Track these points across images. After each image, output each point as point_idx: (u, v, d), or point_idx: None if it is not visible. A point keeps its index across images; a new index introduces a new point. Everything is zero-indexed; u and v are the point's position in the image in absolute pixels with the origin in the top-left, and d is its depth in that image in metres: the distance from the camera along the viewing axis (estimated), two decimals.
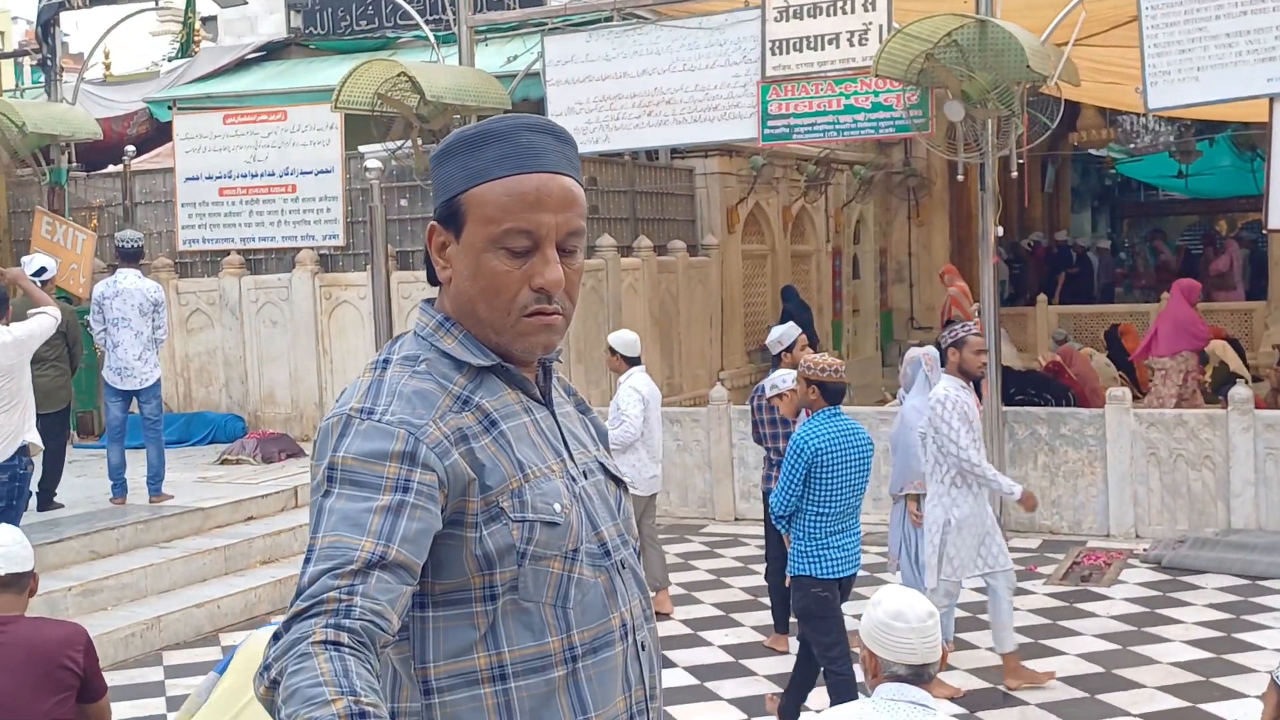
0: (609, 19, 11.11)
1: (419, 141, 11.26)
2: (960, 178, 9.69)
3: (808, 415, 5.64)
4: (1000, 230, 9.35)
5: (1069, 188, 25.21)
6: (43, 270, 9.14)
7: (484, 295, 1.76)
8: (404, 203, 12.14)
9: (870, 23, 9.43)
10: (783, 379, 6.68)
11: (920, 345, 7.72)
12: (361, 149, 11.95)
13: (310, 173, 12.27)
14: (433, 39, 12.78)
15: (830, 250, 17.19)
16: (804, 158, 15.48)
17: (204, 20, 20.49)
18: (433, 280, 1.86)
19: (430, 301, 1.86)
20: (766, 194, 15.47)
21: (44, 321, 7.47)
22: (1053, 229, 22.77)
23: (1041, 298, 18.48)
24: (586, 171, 13.24)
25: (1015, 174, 8.90)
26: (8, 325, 7.44)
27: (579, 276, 1.81)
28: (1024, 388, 11.72)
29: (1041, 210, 23.28)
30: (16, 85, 19.13)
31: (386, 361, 1.78)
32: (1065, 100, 9.30)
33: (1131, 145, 18.21)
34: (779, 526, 5.57)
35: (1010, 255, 19.50)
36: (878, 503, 9.05)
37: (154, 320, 9.29)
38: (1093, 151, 20.82)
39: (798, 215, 16.33)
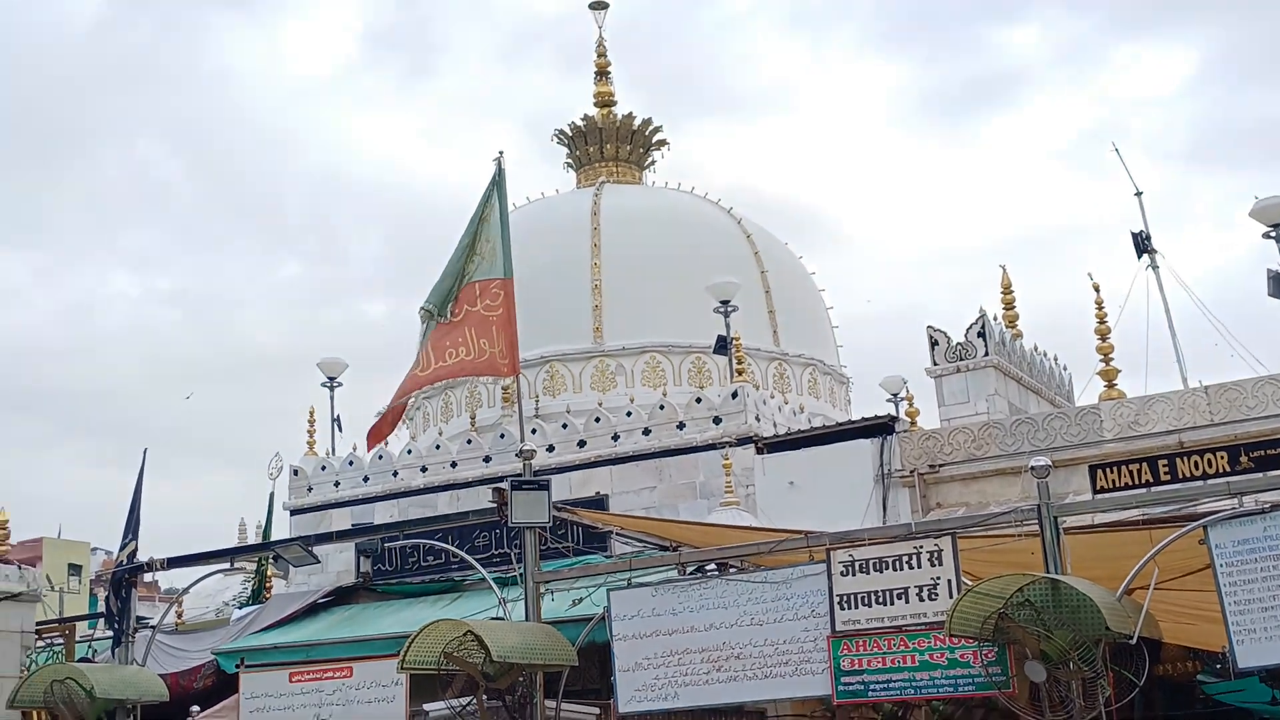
0: (675, 569, 11.25)
1: (484, 699, 11.10)
2: None
3: None
4: None
5: (1160, 714, 24.19)
6: None
7: None
8: None
9: (939, 578, 9.45)
10: None
11: None
12: (426, 706, 11.80)
13: None
14: (497, 590, 12.97)
15: None
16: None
17: (274, 559, 21.09)
18: None
19: None
20: None
21: None
22: None
23: None
24: None
25: None
26: None
27: None
28: None
29: None
30: (92, 629, 19.42)
31: None
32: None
33: (1218, 665, 17.65)
34: None
35: None
36: None
37: None
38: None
39: None
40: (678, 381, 21.05)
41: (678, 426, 18.41)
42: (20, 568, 13.69)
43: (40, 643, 13.97)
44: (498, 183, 13.45)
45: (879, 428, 17.23)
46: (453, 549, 14.35)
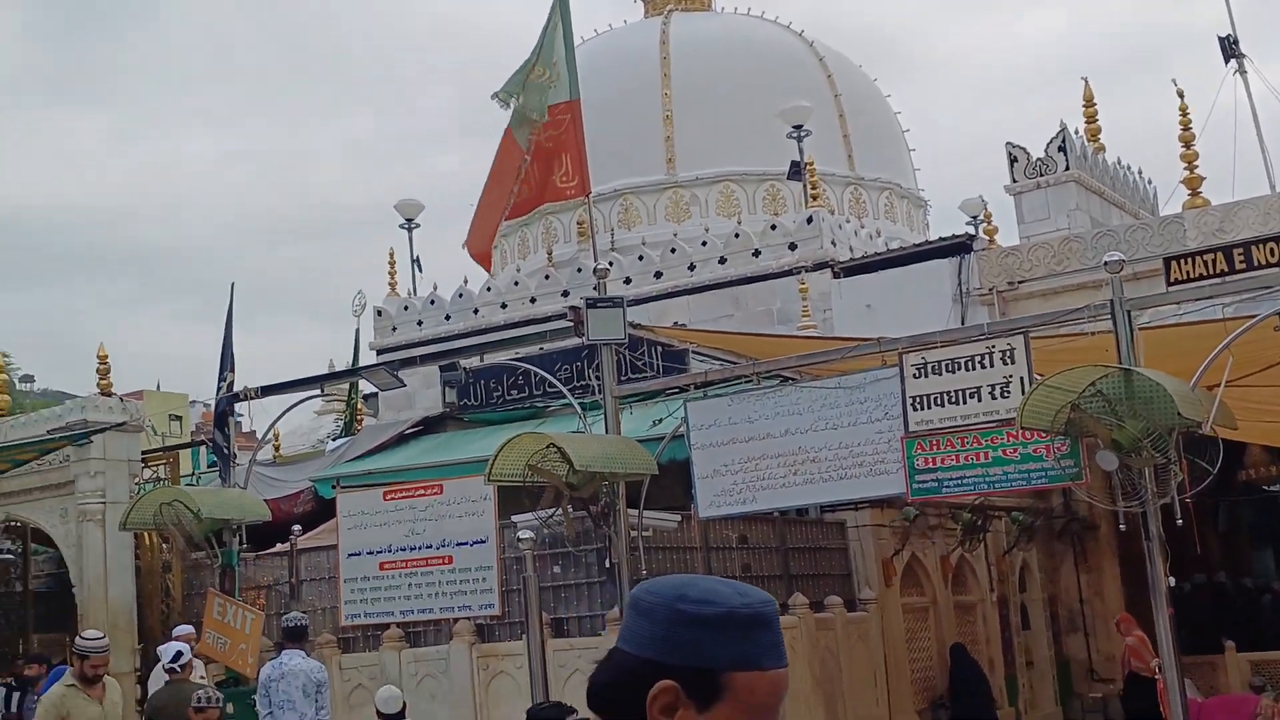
0: (749, 382, 11.43)
1: (569, 509, 11.48)
2: (1122, 527, 9.42)
3: None
4: (1172, 580, 8.96)
5: (1246, 525, 24.16)
6: (179, 655, 9.44)
7: None
8: (557, 569, 12.25)
9: (1010, 375, 9.50)
10: None
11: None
12: (514, 518, 12.22)
13: (466, 543, 12.53)
14: (578, 408, 13.29)
15: (995, 600, 16.63)
16: (958, 506, 15.29)
17: (365, 398, 21.70)
18: (605, 709, 1.77)
19: None
20: (923, 544, 15.22)
21: None
22: (1236, 570, 21.65)
23: (1230, 645, 17.37)
24: (736, 529, 13.28)
25: (1180, 521, 8.62)
26: None
27: None
28: None
29: (1218, 551, 22.24)
30: (193, 470, 20.24)
31: None
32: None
33: None
34: None
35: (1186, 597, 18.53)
36: None
37: (317, 701, 9.41)
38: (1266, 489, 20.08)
39: (957, 565, 15.96)
40: (752, 210, 20.97)
41: (753, 254, 18.43)
42: (123, 400, 14.29)
43: (147, 471, 14.62)
44: (562, 5, 13.33)
45: (957, 247, 17.11)
46: (535, 368, 14.65)
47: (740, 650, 1.71)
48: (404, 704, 8.92)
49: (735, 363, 12.80)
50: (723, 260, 18.58)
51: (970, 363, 9.77)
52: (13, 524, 14.95)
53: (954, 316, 16.27)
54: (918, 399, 9.94)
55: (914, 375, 9.98)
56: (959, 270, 16.77)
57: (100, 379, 14.34)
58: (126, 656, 13.52)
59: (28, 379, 53.35)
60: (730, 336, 14.87)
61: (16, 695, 12.74)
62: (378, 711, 8.87)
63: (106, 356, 14.43)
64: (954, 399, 9.80)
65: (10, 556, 16.20)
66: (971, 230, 19.37)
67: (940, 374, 9.87)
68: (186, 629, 11.65)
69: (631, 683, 1.71)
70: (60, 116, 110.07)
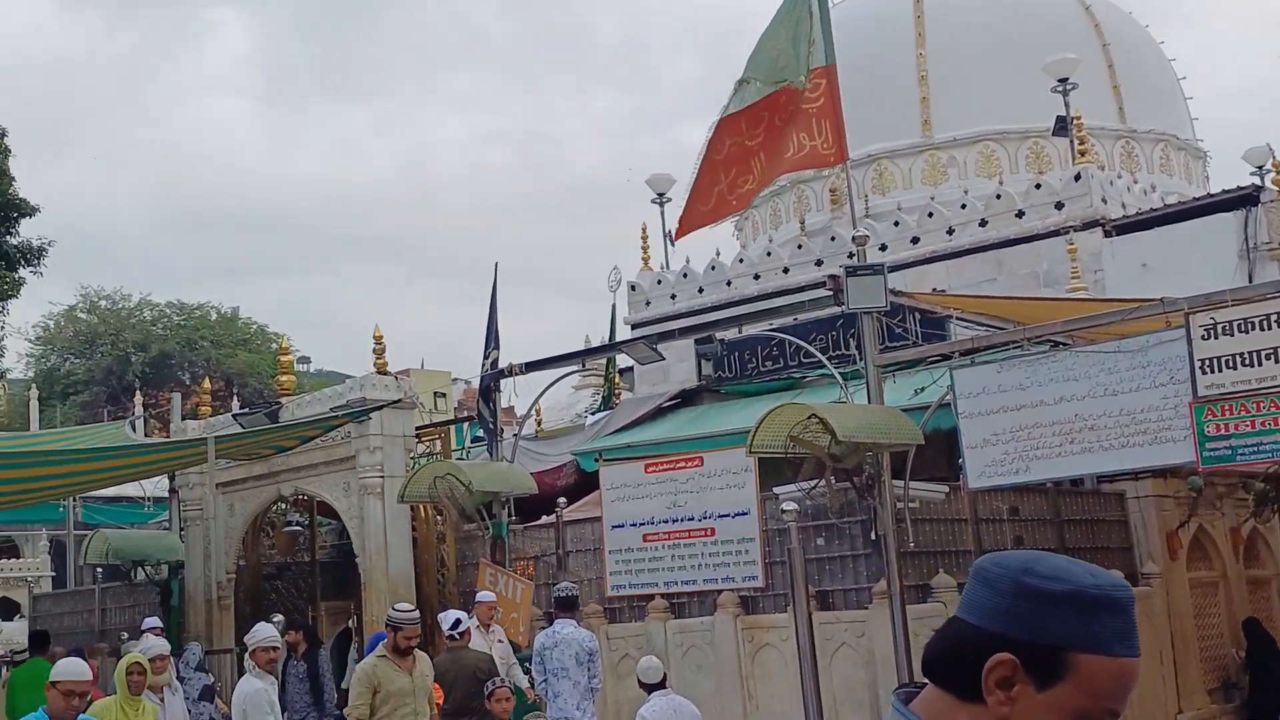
0: (1018, 348, 10.97)
1: (832, 480, 11.31)
2: None
3: None
4: None
5: None
6: (458, 623, 9.75)
7: None
8: (820, 541, 12.09)
9: None
10: None
11: None
12: (776, 490, 12.13)
13: (728, 515, 12.53)
14: (839, 378, 13.08)
15: None
16: (1250, 475, 14.30)
17: (621, 372, 22.04)
18: (939, 678, 1.70)
19: (908, 697, 1.73)
20: (1210, 515, 14.31)
21: None
22: None
23: None
24: (1006, 501, 12.80)
25: None
26: None
27: None
28: None
29: None
30: (459, 445, 21.01)
31: None
32: None
33: None
34: None
35: None
36: None
37: (589, 669, 9.60)
38: None
39: (1249, 537, 14.94)
40: (1014, 169, 20.14)
41: (1016, 215, 17.72)
42: (397, 378, 14.91)
43: (420, 447, 15.23)
44: None
45: (1242, 199, 16.01)
46: (791, 337, 14.51)
47: (1086, 631, 1.63)
48: (664, 674, 8.97)
49: (1002, 328, 12.32)
50: (983, 223, 17.93)
51: (1265, 322, 9.09)
52: (300, 497, 15.86)
53: (1240, 273, 15.23)
54: (1207, 362, 9.32)
55: (1203, 337, 9.36)
56: (1245, 224, 15.68)
57: (376, 358, 15.00)
58: None
59: (304, 360, 56.69)
60: (995, 301, 14.34)
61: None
62: (639, 681, 8.97)
63: (382, 337, 15.08)
64: (1248, 360, 9.14)
65: (299, 528, 17.22)
66: (1257, 181, 18.06)
67: (1232, 335, 9.23)
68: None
69: (969, 654, 1.66)
70: (329, 108, 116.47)
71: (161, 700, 8.31)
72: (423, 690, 8.18)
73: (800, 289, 19.06)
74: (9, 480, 12.94)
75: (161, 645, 9.39)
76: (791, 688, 11.36)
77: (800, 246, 19.88)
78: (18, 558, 37.06)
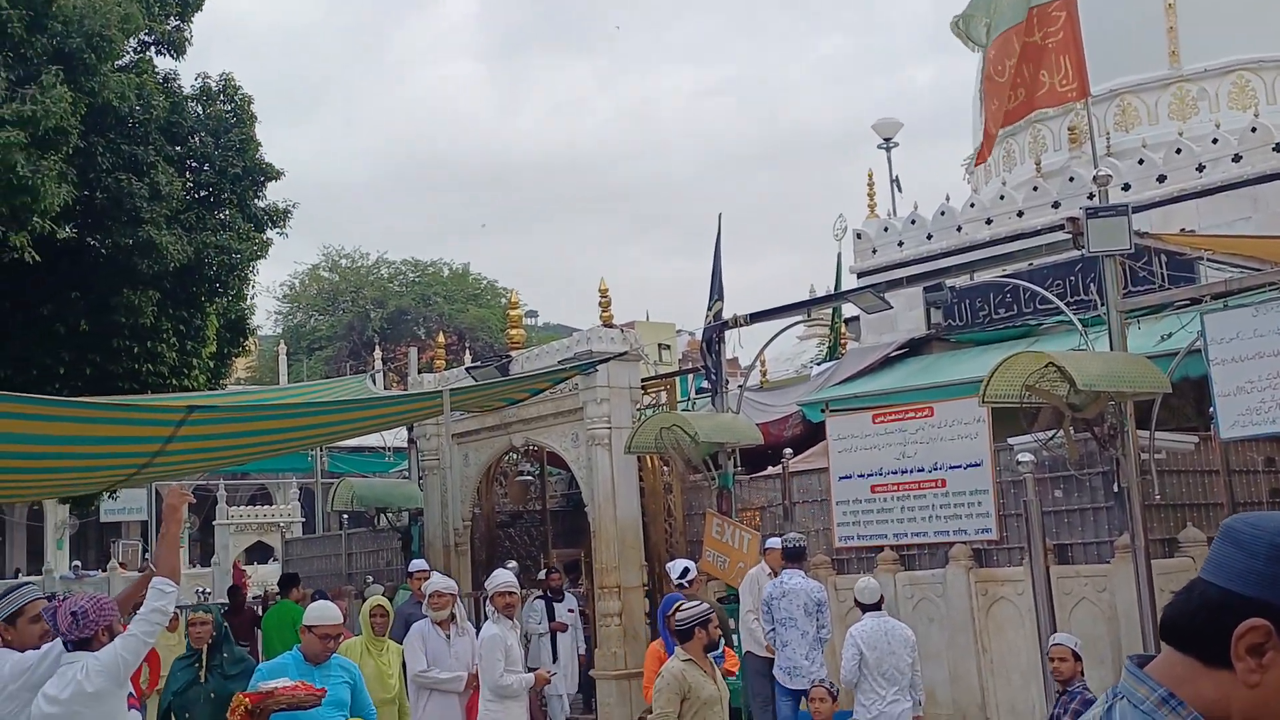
0: (1277, 290, 10.25)
1: (1071, 431, 10.85)
2: None
3: None
4: None
5: None
6: (686, 571, 9.79)
7: None
8: (1058, 494, 11.65)
9: None
10: None
11: None
12: (1010, 441, 11.73)
13: (959, 466, 12.21)
14: (1078, 324, 12.52)
15: None
16: None
17: (847, 322, 21.71)
18: (1181, 642, 1.59)
19: (1142, 662, 1.60)
20: None
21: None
22: None
23: None
24: (1262, 451, 12.06)
25: None
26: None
27: None
28: None
29: None
30: (683, 397, 21.13)
31: None
32: None
33: None
34: None
35: None
36: None
37: (818, 619, 9.54)
38: None
39: None
40: (1271, 99, 18.77)
41: (1274, 149, 16.54)
42: (622, 330, 15.05)
43: (645, 398, 15.37)
44: None
45: None
46: (1026, 283, 13.97)
47: None
48: (881, 596, 8.88)
49: (1258, 269, 11.53)
50: (1236, 158, 16.81)
51: None
52: (531, 448, 16.24)
53: None
54: None
55: None
56: None
57: (602, 311, 15.18)
58: (635, 571, 14.37)
59: (531, 314, 58.15)
60: (1249, 241, 13.44)
61: (556, 604, 13.84)
62: (856, 600, 8.91)
63: (607, 290, 15.24)
64: None
65: (530, 478, 17.66)
66: None
67: None
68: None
69: (1216, 618, 1.57)
70: (553, 64, 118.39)
71: (448, 637, 8.47)
72: (724, 700, 7.25)
73: (1036, 233, 18.29)
74: (261, 431, 13.66)
75: (446, 583, 9.08)
76: (1028, 642, 11.04)
77: (1036, 189, 19.07)
78: (270, 504, 39.45)
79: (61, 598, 5.07)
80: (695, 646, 6.93)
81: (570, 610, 13.71)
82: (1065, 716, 7.24)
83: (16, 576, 32.14)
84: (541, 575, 14.99)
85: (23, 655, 5.03)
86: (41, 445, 11.37)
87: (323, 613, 6.61)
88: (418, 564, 12.85)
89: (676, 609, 7.47)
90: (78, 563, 37.59)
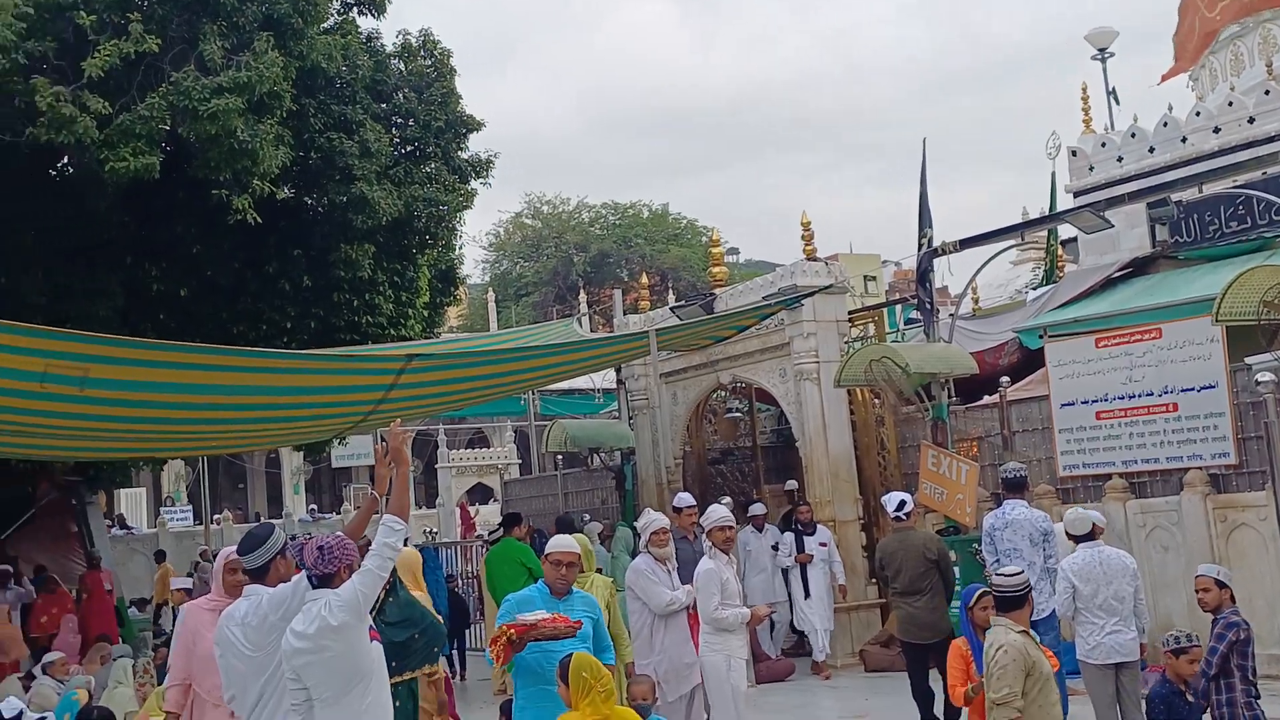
0: None
1: None
2: None
3: None
4: None
5: None
6: (903, 504, 9.57)
7: None
8: None
9: None
10: None
11: None
12: (1248, 360, 11.06)
13: (1192, 389, 11.61)
14: None
15: None
16: None
17: (1064, 244, 20.82)
18: None
19: None
20: None
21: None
22: None
23: None
24: None
25: None
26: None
27: None
28: None
29: None
30: (890, 329, 20.71)
31: None
32: None
33: None
34: None
35: None
36: None
37: (1044, 550, 9.25)
38: None
39: None
40: None
41: None
42: (826, 263, 14.79)
43: (853, 331, 15.09)
44: None
45: None
46: (1261, 193, 13.11)
47: None
48: (1093, 525, 8.50)
49: None
50: None
51: None
52: (739, 384, 16.18)
53: None
54: None
55: None
56: None
57: (805, 245, 14.94)
58: (850, 505, 14.20)
59: (733, 251, 57.95)
60: None
61: (806, 537, 13.63)
62: (1067, 533, 8.58)
63: (810, 223, 14.98)
64: None
65: (739, 414, 17.62)
66: None
67: None
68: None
69: None
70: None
71: (669, 572, 8.50)
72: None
73: (1269, 139, 17.13)
74: (476, 378, 13.99)
75: (661, 520, 8.80)
76: (1272, 569, 10.48)
77: (1268, 92, 17.79)
78: (488, 447, 40.66)
79: (305, 538, 5.28)
80: (1024, 616, 6.28)
81: (822, 544, 13.58)
82: (1211, 640, 7.18)
83: (258, 520, 34.06)
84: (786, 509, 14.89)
85: (278, 588, 5.32)
86: (275, 396, 11.92)
87: (558, 542, 6.91)
88: (683, 498, 12.35)
89: (979, 596, 7.68)
90: (314, 506, 39.64)
